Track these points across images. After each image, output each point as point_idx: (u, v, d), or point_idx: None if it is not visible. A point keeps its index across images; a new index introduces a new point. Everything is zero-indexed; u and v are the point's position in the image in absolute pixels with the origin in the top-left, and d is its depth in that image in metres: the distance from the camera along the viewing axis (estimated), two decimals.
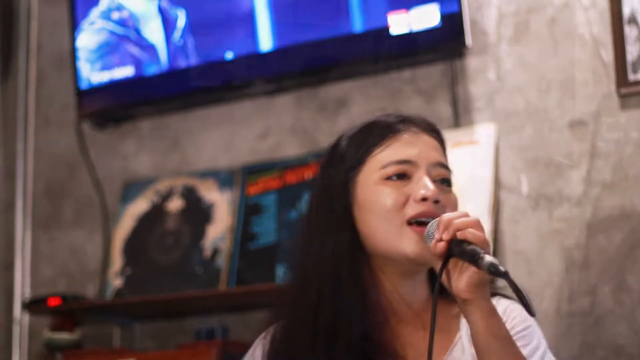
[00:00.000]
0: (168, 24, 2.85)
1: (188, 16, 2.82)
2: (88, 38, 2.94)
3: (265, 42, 2.72)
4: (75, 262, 3.01)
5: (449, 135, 2.46)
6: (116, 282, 2.81)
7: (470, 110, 2.56)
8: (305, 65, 2.67)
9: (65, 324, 2.78)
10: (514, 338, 1.45)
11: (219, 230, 2.74)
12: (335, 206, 1.57)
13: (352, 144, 1.60)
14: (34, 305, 2.82)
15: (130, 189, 2.93)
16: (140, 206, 2.88)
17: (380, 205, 1.53)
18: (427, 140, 1.59)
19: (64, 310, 2.76)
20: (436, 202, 1.52)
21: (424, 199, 1.52)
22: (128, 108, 2.97)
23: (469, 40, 2.50)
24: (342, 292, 1.53)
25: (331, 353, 1.50)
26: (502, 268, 1.34)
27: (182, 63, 2.82)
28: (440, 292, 1.44)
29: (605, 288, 2.36)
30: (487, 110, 2.54)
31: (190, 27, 2.82)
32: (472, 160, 2.47)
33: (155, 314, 2.86)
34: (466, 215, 1.43)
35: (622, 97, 2.40)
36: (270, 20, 2.71)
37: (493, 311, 1.42)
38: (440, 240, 1.42)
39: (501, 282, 1.40)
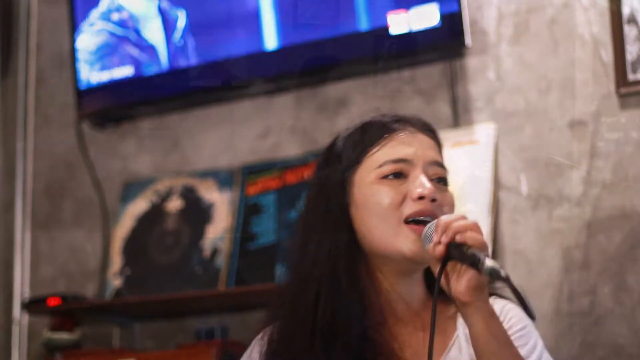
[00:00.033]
0: (168, 25, 2.85)
1: (188, 16, 2.82)
2: (88, 39, 2.94)
3: (265, 42, 2.71)
4: (74, 262, 3.01)
5: (448, 135, 2.48)
6: (116, 282, 2.81)
7: (470, 110, 2.56)
8: (304, 65, 2.67)
9: (64, 324, 2.78)
10: (512, 338, 1.45)
11: (218, 230, 2.74)
12: (332, 206, 1.57)
13: (348, 144, 1.60)
14: (33, 305, 2.82)
15: (130, 189, 2.93)
16: (139, 206, 2.88)
17: (377, 205, 1.53)
18: (423, 139, 1.59)
19: (63, 310, 2.76)
20: (433, 200, 1.52)
21: (421, 198, 1.52)
22: (128, 108, 2.97)
23: (468, 40, 2.50)
24: (340, 292, 1.53)
25: (330, 353, 1.50)
26: (503, 273, 1.33)
27: (182, 63, 2.82)
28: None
29: (605, 288, 2.36)
30: (487, 110, 2.54)
31: (190, 27, 2.82)
32: (471, 160, 2.47)
33: (155, 314, 2.86)
34: (464, 217, 1.43)
35: (622, 97, 2.40)
36: (271, 21, 2.71)
37: (492, 313, 1.42)
38: (439, 243, 1.41)
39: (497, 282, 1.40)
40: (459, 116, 2.57)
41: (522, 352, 1.46)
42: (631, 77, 2.37)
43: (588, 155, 2.42)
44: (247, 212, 2.71)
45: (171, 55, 2.84)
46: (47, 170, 3.12)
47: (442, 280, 1.43)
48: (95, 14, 2.94)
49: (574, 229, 2.41)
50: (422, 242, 1.48)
